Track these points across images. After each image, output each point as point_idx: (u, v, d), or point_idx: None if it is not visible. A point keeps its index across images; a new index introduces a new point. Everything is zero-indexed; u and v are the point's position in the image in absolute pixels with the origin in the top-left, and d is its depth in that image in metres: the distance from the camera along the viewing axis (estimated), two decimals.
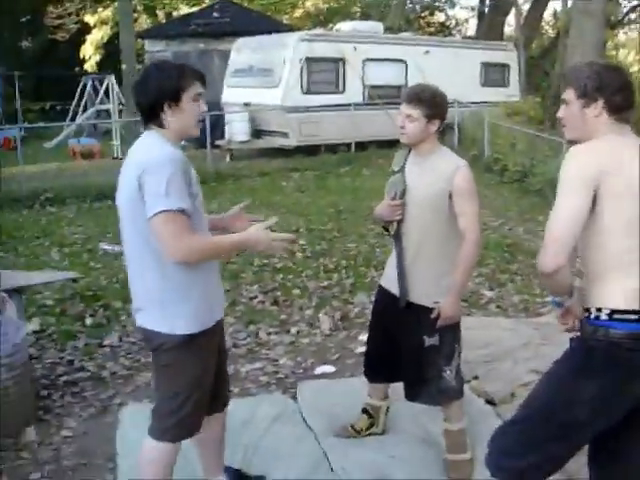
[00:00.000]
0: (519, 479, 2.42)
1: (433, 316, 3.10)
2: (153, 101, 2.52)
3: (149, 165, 2.44)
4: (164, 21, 24.94)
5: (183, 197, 2.42)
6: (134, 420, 3.73)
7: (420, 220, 3.13)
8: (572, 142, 2.39)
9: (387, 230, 3.33)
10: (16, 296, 3.85)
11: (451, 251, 3.12)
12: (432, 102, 3.08)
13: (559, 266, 2.15)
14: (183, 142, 2.83)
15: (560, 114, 2.41)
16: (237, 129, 14.66)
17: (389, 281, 3.32)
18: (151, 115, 2.55)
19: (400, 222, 3.20)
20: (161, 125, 2.56)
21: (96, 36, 25.51)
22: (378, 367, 3.48)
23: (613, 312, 2.22)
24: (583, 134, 2.34)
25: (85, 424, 3.92)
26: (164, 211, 2.38)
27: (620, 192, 2.18)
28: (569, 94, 2.36)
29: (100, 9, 25.46)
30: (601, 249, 2.26)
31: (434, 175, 3.09)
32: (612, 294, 2.24)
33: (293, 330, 5.35)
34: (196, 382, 2.67)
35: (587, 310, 2.30)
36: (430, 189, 3.08)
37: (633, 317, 2.20)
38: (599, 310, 2.25)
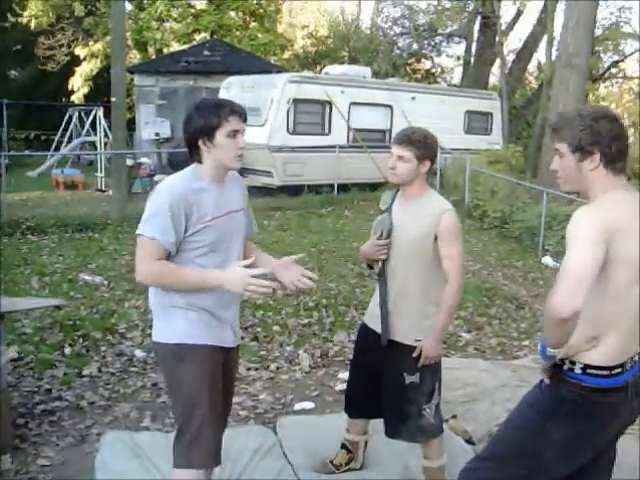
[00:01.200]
0: None
1: (415, 354, 3.16)
2: (191, 138, 2.71)
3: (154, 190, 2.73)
4: (154, 57, 25.17)
5: (161, 227, 2.59)
6: (114, 448, 3.73)
7: (405, 260, 3.20)
8: (568, 192, 2.40)
9: (372, 268, 3.40)
10: None
11: (434, 291, 3.19)
12: (423, 143, 3.17)
13: (575, 311, 2.08)
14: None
15: (554, 167, 2.37)
16: None
17: (372, 319, 3.38)
18: (191, 151, 2.75)
19: (385, 261, 3.26)
20: (199, 160, 2.75)
21: (85, 68, 25.62)
22: (359, 403, 3.51)
23: (587, 367, 2.28)
24: (579, 187, 2.35)
25: (63, 453, 3.90)
26: (139, 235, 2.64)
27: (619, 259, 2.19)
28: (562, 147, 2.32)
29: (91, 42, 25.68)
30: (590, 307, 2.26)
31: (420, 217, 3.16)
32: (587, 350, 2.29)
33: (272, 366, 5.36)
34: (196, 401, 2.68)
35: (562, 360, 2.33)
36: (416, 230, 3.15)
37: (605, 373, 2.27)
38: (573, 363, 2.31)
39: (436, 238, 3.12)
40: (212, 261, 2.71)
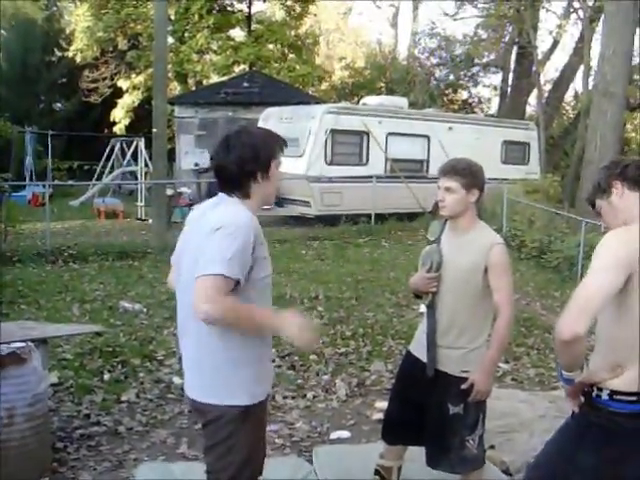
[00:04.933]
0: None
1: (464, 387, 3.14)
2: (245, 169, 2.45)
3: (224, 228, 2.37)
4: (194, 88, 25.65)
5: (239, 265, 2.34)
6: (148, 478, 3.75)
7: (454, 292, 3.19)
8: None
9: (419, 297, 3.39)
10: (42, 346, 3.93)
11: (482, 323, 3.20)
12: (469, 171, 3.17)
13: (577, 335, 2.13)
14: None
15: (602, 223, 2.55)
16: None
17: (419, 347, 3.36)
18: (237, 183, 2.47)
19: (434, 293, 3.26)
20: (247, 195, 2.49)
21: (127, 100, 26.28)
22: (398, 431, 3.49)
23: (613, 393, 2.29)
24: (623, 221, 2.37)
25: (100, 478, 3.95)
26: (218, 274, 2.30)
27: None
28: (597, 203, 2.47)
29: (133, 75, 26.32)
30: (614, 333, 2.32)
31: (470, 250, 3.15)
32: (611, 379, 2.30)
33: (309, 395, 5.36)
34: (248, 461, 2.54)
35: (590, 387, 2.35)
36: (466, 264, 3.14)
37: (632, 399, 2.27)
38: (600, 390, 2.32)
39: (486, 271, 3.11)
40: (269, 294, 2.59)
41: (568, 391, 2.43)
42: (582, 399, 2.38)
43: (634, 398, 2.27)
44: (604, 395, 2.31)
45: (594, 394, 2.33)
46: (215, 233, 2.34)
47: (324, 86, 29.55)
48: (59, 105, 28.43)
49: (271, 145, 2.53)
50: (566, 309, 2.18)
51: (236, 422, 2.47)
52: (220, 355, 2.46)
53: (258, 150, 2.46)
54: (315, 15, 29.17)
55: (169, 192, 14.30)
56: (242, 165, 2.44)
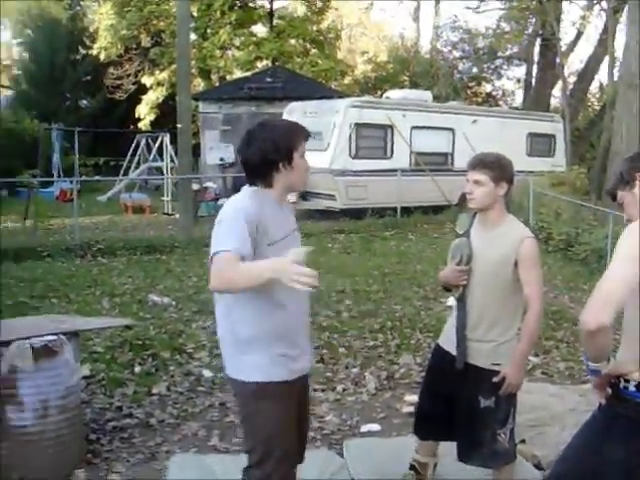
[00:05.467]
0: None
1: (496, 380, 3.13)
2: (267, 160, 2.59)
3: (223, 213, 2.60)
4: (217, 84, 25.74)
5: (239, 240, 2.49)
6: (182, 470, 3.78)
7: (484, 285, 3.19)
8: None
9: (449, 291, 3.39)
10: (74, 339, 3.96)
11: (512, 316, 3.19)
12: (497, 164, 3.17)
13: (602, 325, 2.12)
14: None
15: (625, 215, 2.52)
16: None
17: (448, 341, 3.36)
18: (260, 173, 2.63)
19: (464, 286, 3.26)
20: (269, 184, 2.64)
21: (151, 97, 26.45)
22: (430, 425, 3.49)
23: None
24: None
25: (133, 469, 3.99)
26: (218, 252, 2.49)
27: None
28: (619, 195, 2.50)
29: (157, 72, 26.47)
30: (634, 325, 2.31)
31: (501, 244, 3.14)
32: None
33: (339, 388, 5.37)
34: (273, 437, 2.65)
35: (617, 378, 2.34)
36: (496, 257, 3.14)
37: None
38: (627, 381, 2.31)
39: (516, 264, 3.10)
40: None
41: (595, 383, 2.42)
42: (609, 391, 2.37)
43: None
44: (631, 387, 2.30)
45: (621, 386, 2.33)
46: (217, 225, 2.57)
47: (347, 80, 29.46)
48: (85, 102, 28.68)
49: (292, 135, 2.65)
50: (590, 299, 2.17)
51: (251, 398, 2.65)
52: (236, 333, 2.64)
53: (279, 140, 2.59)
54: (337, 9, 29.11)
55: (195, 187, 14.40)
56: (263, 155, 2.59)
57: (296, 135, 2.66)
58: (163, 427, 4.59)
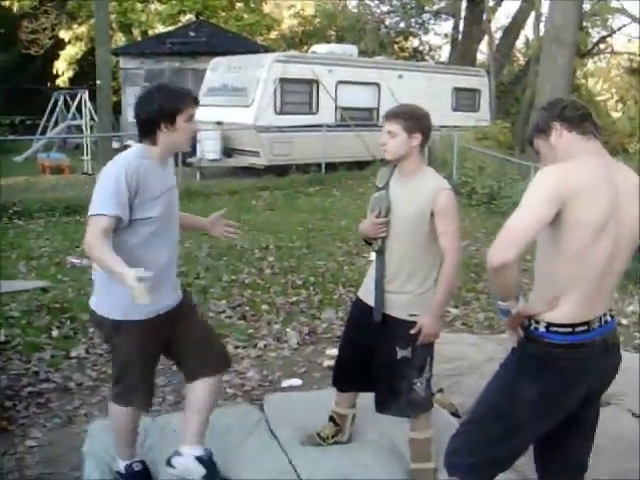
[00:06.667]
0: (468, 476, 2.53)
1: (413, 331, 3.16)
2: (151, 120, 2.82)
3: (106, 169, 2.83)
4: (139, 39, 24.97)
5: (116, 203, 2.71)
6: (102, 435, 3.70)
7: (402, 237, 3.19)
8: None
9: (370, 244, 3.39)
10: None
11: (429, 268, 3.21)
12: (410, 115, 3.15)
13: (506, 262, 2.20)
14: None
15: (540, 164, 2.52)
16: (208, 147, 14.64)
17: (367, 293, 3.37)
18: (146, 132, 2.86)
19: (384, 238, 3.26)
20: (153, 142, 2.87)
21: (70, 52, 25.49)
22: (348, 377, 3.51)
23: (550, 325, 2.36)
24: (560, 161, 2.40)
25: (50, 434, 3.90)
26: (94, 215, 2.70)
27: (575, 221, 2.25)
28: (535, 143, 2.51)
29: (75, 25, 25.46)
30: (550, 267, 2.38)
31: (418, 195, 3.14)
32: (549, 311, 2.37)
33: (260, 344, 5.37)
34: (129, 364, 3.01)
35: (529, 320, 2.41)
36: (413, 208, 3.14)
37: (567, 330, 2.34)
38: (537, 322, 2.38)
39: (432, 215, 3.11)
40: (165, 231, 2.93)
41: (507, 324, 2.48)
42: (522, 333, 2.43)
43: (569, 330, 2.33)
44: (541, 327, 2.36)
45: (532, 327, 2.39)
46: (99, 181, 2.80)
47: (273, 35, 29.06)
48: None
49: (178, 99, 2.85)
50: (497, 239, 2.24)
51: (110, 330, 2.99)
52: (100, 274, 2.85)
53: (163, 103, 2.81)
54: None
55: (116, 145, 14.03)
56: (148, 115, 2.83)
57: (182, 99, 2.85)
58: (82, 390, 4.51)
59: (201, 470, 3.12)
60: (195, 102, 2.90)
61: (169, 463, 3.19)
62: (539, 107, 2.50)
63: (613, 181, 2.31)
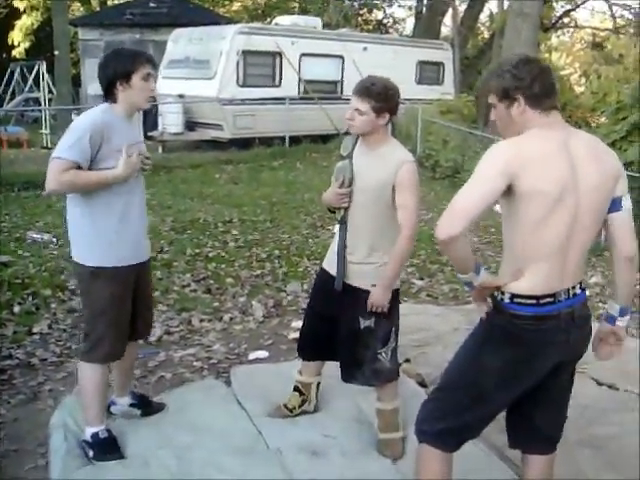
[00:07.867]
0: (437, 442, 2.55)
1: (370, 301, 3.18)
2: (109, 79, 3.11)
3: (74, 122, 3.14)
4: (98, 9, 24.41)
5: (79, 150, 2.98)
6: (72, 409, 3.68)
7: (365, 208, 3.19)
8: None
9: (334, 213, 3.39)
10: None
11: (392, 239, 3.20)
12: (383, 96, 3.11)
13: (452, 236, 2.21)
14: None
15: (492, 118, 2.50)
16: (170, 121, 14.47)
17: (331, 263, 3.38)
18: (107, 92, 3.15)
19: (346, 208, 3.26)
20: (114, 100, 3.15)
21: (26, 22, 24.81)
22: (313, 346, 3.54)
23: (514, 296, 2.37)
24: (516, 132, 2.39)
25: (14, 411, 3.86)
26: (58, 158, 2.98)
27: (529, 192, 2.25)
28: (492, 98, 2.43)
29: None
30: (512, 239, 2.40)
31: (381, 166, 3.13)
32: (513, 282, 2.39)
33: (226, 317, 5.36)
34: (100, 312, 3.19)
35: (497, 290, 2.43)
36: (376, 179, 3.13)
37: (531, 302, 2.36)
38: (503, 293, 2.40)
39: (394, 188, 3.11)
40: (135, 182, 3.23)
41: (473, 295, 2.50)
42: (490, 304, 2.45)
43: (533, 301, 2.35)
44: (506, 298, 2.38)
45: (498, 297, 2.41)
46: (66, 132, 3.07)
47: (235, 7, 28.68)
48: None
49: (132, 59, 3.11)
50: (442, 214, 2.25)
51: (88, 278, 3.19)
52: (75, 224, 3.20)
53: (118, 63, 3.12)
54: None
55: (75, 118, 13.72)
56: (106, 76, 3.13)
57: (135, 59, 3.12)
58: (45, 366, 4.45)
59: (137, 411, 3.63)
60: (148, 61, 3.16)
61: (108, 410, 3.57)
62: (507, 64, 2.41)
63: (570, 150, 2.31)
